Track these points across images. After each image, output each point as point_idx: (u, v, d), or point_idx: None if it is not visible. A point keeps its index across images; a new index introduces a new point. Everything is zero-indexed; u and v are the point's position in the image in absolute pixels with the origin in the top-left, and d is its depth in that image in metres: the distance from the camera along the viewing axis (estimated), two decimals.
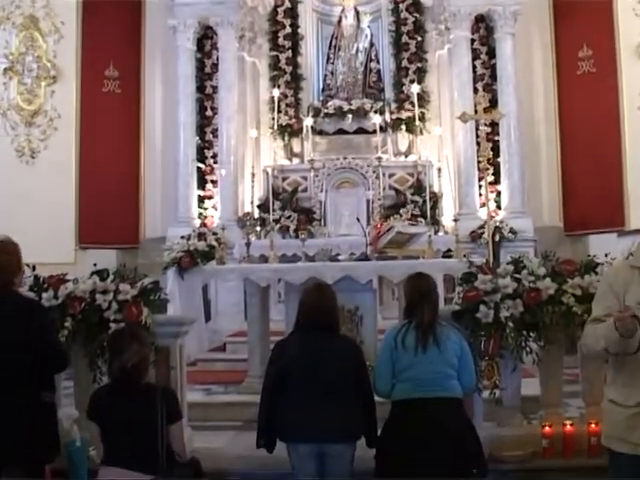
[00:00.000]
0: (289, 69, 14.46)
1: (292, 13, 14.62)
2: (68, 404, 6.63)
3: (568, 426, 6.19)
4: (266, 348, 8.39)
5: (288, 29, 14.48)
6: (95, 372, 6.19)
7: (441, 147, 13.53)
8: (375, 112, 13.62)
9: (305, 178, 13.52)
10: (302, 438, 5.03)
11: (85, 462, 5.85)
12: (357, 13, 14.39)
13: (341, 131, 13.90)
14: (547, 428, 6.15)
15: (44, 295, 6.20)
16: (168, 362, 6.45)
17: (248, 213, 12.69)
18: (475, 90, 13.63)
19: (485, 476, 5.04)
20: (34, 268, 6.17)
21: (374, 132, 13.28)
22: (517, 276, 6.25)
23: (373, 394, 5.20)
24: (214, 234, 12.04)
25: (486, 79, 13.88)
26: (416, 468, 4.80)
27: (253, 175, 11.02)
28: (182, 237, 11.74)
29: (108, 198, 13.51)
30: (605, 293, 4.22)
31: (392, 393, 5.12)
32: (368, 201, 12.99)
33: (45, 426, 4.92)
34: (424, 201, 12.00)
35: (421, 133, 13.74)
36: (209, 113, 14.21)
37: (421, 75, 14.19)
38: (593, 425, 5.94)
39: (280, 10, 14.56)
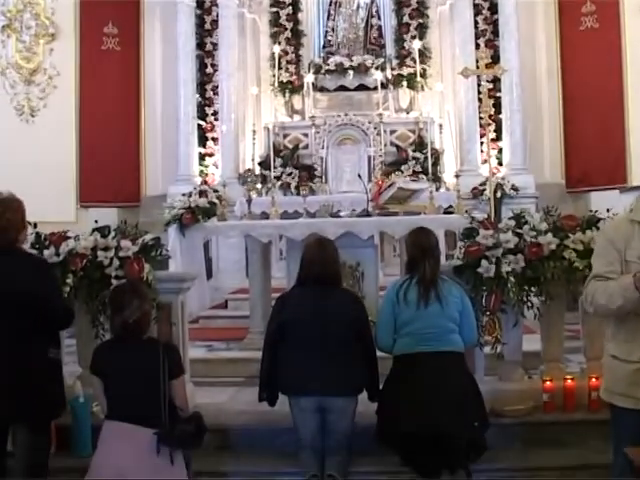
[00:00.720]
0: (289, 25, 14.31)
1: None
2: (71, 361, 6.65)
3: (569, 381, 6.22)
4: (267, 305, 8.41)
5: None
6: (97, 328, 6.23)
7: (443, 103, 13.42)
8: (376, 68, 13.50)
9: (306, 135, 13.43)
10: (303, 391, 5.06)
11: (89, 418, 5.90)
12: None
13: (342, 88, 13.79)
14: (548, 383, 6.18)
15: (45, 252, 6.19)
16: (170, 318, 6.47)
17: (249, 170, 12.64)
18: (477, 46, 13.44)
19: (486, 430, 5.08)
20: (35, 225, 6.14)
21: (375, 89, 13.16)
22: (519, 231, 6.25)
23: (375, 348, 5.22)
24: (215, 191, 12.05)
25: (488, 35, 13.72)
26: (418, 422, 4.83)
27: (254, 132, 11.00)
28: (183, 194, 11.74)
29: (109, 156, 13.42)
30: (605, 249, 4.20)
31: (394, 348, 5.13)
32: (369, 158, 12.93)
33: (51, 382, 4.96)
34: (425, 158, 11.95)
35: (422, 89, 13.64)
36: (209, 70, 14.10)
37: (422, 31, 14.04)
38: (594, 380, 5.96)
39: None
